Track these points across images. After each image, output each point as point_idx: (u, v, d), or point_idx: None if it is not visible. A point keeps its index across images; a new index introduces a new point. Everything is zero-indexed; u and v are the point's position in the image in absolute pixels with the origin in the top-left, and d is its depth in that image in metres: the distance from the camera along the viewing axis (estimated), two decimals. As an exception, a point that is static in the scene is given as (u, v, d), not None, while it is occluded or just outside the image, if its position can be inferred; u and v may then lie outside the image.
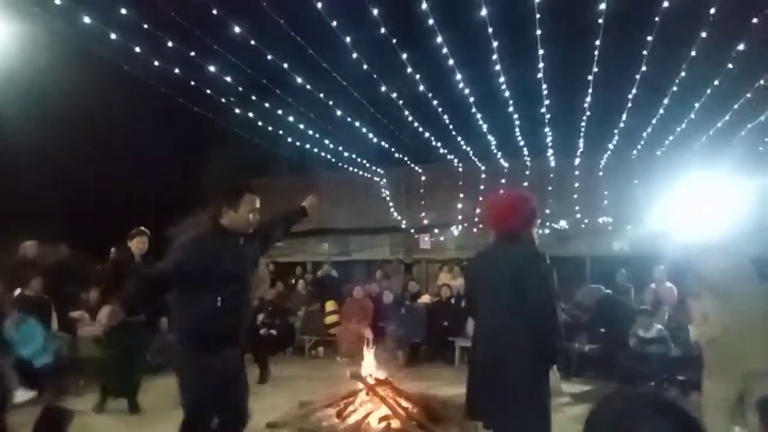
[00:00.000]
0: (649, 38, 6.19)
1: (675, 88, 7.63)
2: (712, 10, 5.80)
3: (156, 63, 6.37)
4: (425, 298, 10.75)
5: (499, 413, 2.81)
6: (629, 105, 8.25)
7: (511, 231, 3.11)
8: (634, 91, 7.58)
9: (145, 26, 5.82)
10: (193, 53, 6.46)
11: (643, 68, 6.85)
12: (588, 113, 8.60)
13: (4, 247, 7.81)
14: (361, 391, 5.83)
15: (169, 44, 6.16)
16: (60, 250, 8.01)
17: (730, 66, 6.92)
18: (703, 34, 6.23)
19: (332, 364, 9.14)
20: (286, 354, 10.41)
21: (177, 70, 6.55)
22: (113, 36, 5.87)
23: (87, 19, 5.52)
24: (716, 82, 7.52)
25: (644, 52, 6.46)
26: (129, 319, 5.17)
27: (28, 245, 7.53)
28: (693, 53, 6.63)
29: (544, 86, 7.52)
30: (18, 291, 6.79)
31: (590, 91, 7.55)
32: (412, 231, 13.78)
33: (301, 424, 5.39)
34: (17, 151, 9.27)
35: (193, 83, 7.01)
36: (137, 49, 6.04)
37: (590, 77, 7.08)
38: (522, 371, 2.80)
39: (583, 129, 9.68)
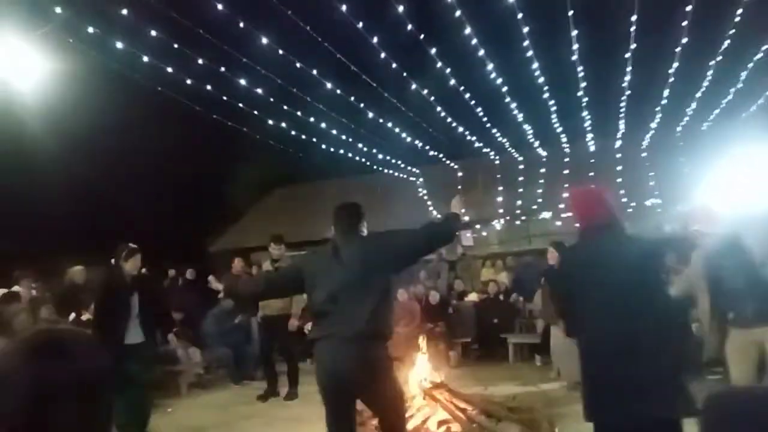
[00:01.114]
0: (689, 8, 5.89)
1: (719, 58, 7.26)
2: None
3: (188, 81, 6.43)
4: (473, 296, 10.56)
5: (644, 409, 2.68)
6: (671, 80, 7.90)
7: (609, 222, 2.99)
8: (675, 64, 7.25)
9: (175, 46, 5.88)
10: (222, 68, 6.51)
11: (684, 39, 6.53)
12: (628, 92, 8.29)
13: (51, 274, 7.99)
14: (417, 395, 5.70)
15: (199, 61, 6.20)
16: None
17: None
18: (747, -3, 5.90)
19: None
20: (336, 362, 10.39)
21: (209, 87, 6.61)
22: (145, 58, 5.96)
23: (119, 44, 5.62)
24: (763, 47, 7.12)
25: (684, 23, 6.16)
26: (129, 342, 5.17)
27: (75, 271, 7.64)
28: (737, 18, 6.28)
29: (580, 68, 7.28)
30: (72, 316, 6.93)
31: (629, 69, 7.27)
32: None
33: (358, 432, 5.30)
34: (54, 180, 9.58)
35: (224, 98, 7.07)
36: (169, 69, 6.11)
37: (628, 54, 6.80)
38: (661, 365, 2.71)
39: (623, 109, 9.34)
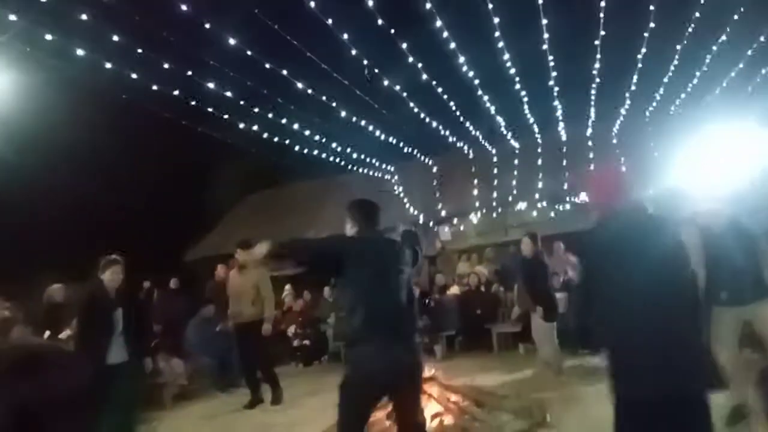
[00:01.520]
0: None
1: (685, 42, 7.38)
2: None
3: (154, 87, 6.26)
4: (454, 289, 10.58)
5: (674, 384, 2.69)
6: (639, 66, 8.01)
7: (630, 202, 3.00)
8: (643, 50, 7.34)
9: (139, 51, 5.72)
10: (189, 72, 6.36)
11: (651, 25, 6.62)
12: (598, 79, 8.38)
13: (23, 293, 7.71)
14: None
15: (165, 66, 6.04)
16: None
17: (741, 9, 6.67)
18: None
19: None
20: (321, 362, 10.31)
21: (176, 92, 6.45)
22: (108, 65, 5.77)
23: (80, 51, 5.43)
24: (727, 29, 7.26)
25: (651, 7, 6.24)
26: (112, 362, 4.86)
27: (55, 289, 7.41)
28: (701, 1, 6.39)
29: (551, 57, 7.32)
30: (47, 334, 6.71)
31: (598, 56, 7.33)
32: (431, 224, 13.59)
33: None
34: (19, 194, 9.27)
35: (193, 103, 6.91)
36: (133, 76, 5.94)
37: (597, 42, 6.87)
38: (690, 341, 2.73)
39: (593, 96, 9.45)
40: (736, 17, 6.90)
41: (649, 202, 3.19)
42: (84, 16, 5.20)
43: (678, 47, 7.57)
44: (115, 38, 5.47)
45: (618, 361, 2.90)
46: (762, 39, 7.57)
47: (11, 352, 0.99)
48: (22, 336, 6.22)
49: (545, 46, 6.88)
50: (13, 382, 0.90)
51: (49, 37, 5.23)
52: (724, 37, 7.37)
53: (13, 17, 5.17)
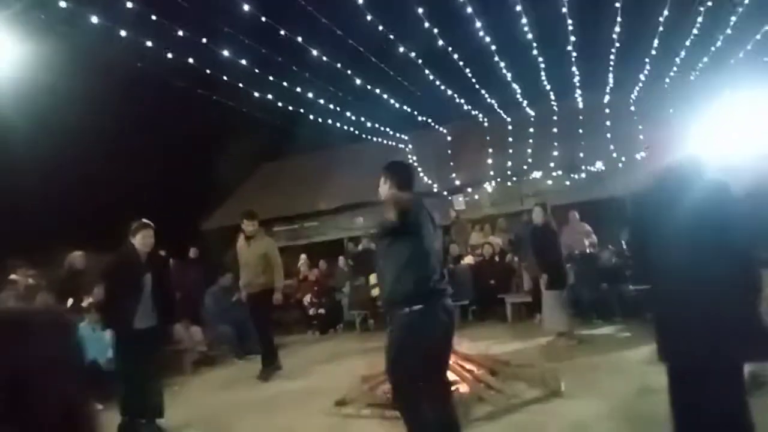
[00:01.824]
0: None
1: (709, 3, 7.14)
2: None
3: (169, 55, 6.22)
4: (468, 259, 10.59)
5: (724, 352, 2.67)
6: (660, 29, 7.78)
7: (681, 162, 2.91)
8: (665, 12, 7.12)
9: (153, 18, 5.66)
10: (204, 40, 6.29)
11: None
12: (617, 44, 8.16)
13: (45, 262, 7.85)
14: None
15: (179, 34, 5.99)
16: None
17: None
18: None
19: (384, 335, 9.10)
20: (337, 331, 10.46)
21: (190, 59, 6.40)
22: (123, 33, 5.74)
23: (94, 20, 5.39)
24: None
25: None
26: (140, 327, 4.85)
27: (75, 256, 7.51)
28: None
29: (569, 22, 7.13)
30: (71, 302, 6.85)
31: (618, 20, 7.13)
32: (445, 193, 13.55)
33: (368, 399, 5.34)
34: (38, 167, 9.35)
35: (208, 71, 6.86)
36: (148, 44, 5.89)
37: (618, 4, 6.66)
38: (741, 306, 2.68)
39: (612, 63, 9.23)
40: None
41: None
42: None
43: (701, 9, 7.33)
44: (129, 5, 5.41)
45: (664, 326, 2.90)
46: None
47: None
48: (44, 302, 6.37)
49: (564, 10, 6.71)
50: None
51: (63, 4, 5.19)
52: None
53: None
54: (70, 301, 6.83)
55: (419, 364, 3.22)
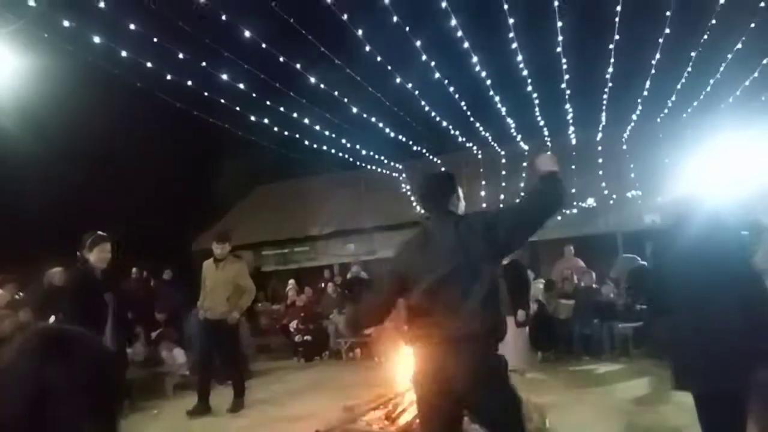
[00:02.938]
0: (672, -2, 5.94)
1: (700, 49, 7.34)
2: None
3: (168, 77, 6.29)
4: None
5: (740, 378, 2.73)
6: (652, 72, 7.96)
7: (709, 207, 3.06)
8: (657, 56, 7.30)
9: (155, 40, 5.74)
10: (204, 63, 6.37)
11: (667, 30, 6.58)
12: (610, 84, 8.34)
13: (28, 277, 7.73)
14: (408, 390, 5.67)
15: (180, 56, 6.06)
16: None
17: (755, 21, 6.63)
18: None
19: (371, 364, 9.02)
20: (323, 358, 10.34)
21: (189, 82, 6.47)
22: (123, 53, 5.80)
23: (96, 39, 5.46)
24: (743, 38, 7.21)
25: (667, 13, 6.20)
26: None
27: (54, 272, 7.42)
28: (717, 9, 6.34)
29: (564, 60, 7.28)
30: (52, 319, 6.74)
31: (612, 60, 7.30)
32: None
33: (350, 430, 5.26)
34: (30, 179, 9.33)
35: (206, 93, 6.93)
36: (148, 64, 5.96)
37: (611, 46, 6.83)
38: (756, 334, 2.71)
39: (605, 101, 9.41)
40: (752, 25, 6.85)
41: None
42: (102, 4, 5.22)
43: (692, 54, 7.52)
44: (132, 27, 5.49)
45: (681, 355, 2.99)
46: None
47: (38, 334, 0.98)
48: (28, 321, 6.28)
49: (559, 49, 6.86)
50: (38, 364, 0.90)
51: (66, 23, 5.26)
52: (739, 46, 7.32)
53: (31, 2, 5.20)
54: (51, 318, 6.73)
55: None
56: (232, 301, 6.63)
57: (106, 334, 4.61)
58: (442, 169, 3.00)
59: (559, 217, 13.15)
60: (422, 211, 3.19)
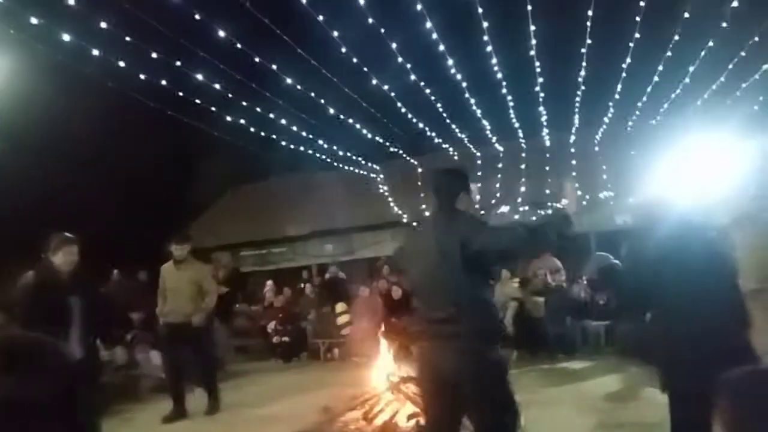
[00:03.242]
0: (642, 3, 6.08)
1: (669, 53, 7.52)
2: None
3: (142, 76, 6.21)
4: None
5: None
6: (623, 75, 8.14)
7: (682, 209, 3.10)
8: (628, 59, 7.48)
9: (127, 39, 5.66)
10: (178, 62, 6.31)
11: (637, 35, 6.74)
12: (582, 87, 8.50)
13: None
14: (385, 390, 5.70)
15: (153, 55, 5.99)
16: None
17: (724, 24, 6.83)
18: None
19: (348, 365, 9.01)
20: (300, 359, 10.30)
21: (163, 82, 6.40)
22: (95, 52, 5.71)
23: (66, 37, 5.36)
24: (710, 43, 7.42)
25: (637, 18, 6.35)
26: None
27: (29, 275, 7.25)
28: (686, 15, 6.52)
29: (537, 63, 7.41)
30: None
31: (584, 64, 7.44)
32: (414, 224, 13.64)
33: (327, 430, 5.27)
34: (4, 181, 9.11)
35: (180, 93, 6.86)
36: (121, 63, 5.88)
37: (584, 50, 6.97)
38: (740, 335, 2.79)
39: (577, 104, 9.59)
40: (724, 24, 7.03)
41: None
42: (72, 1, 5.12)
43: (662, 58, 7.71)
44: (103, 25, 5.40)
45: (667, 356, 3.02)
46: (743, 54, 7.75)
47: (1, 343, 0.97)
48: (4, 324, 6.11)
49: (533, 52, 6.97)
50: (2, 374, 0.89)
51: (34, 20, 5.15)
52: (705, 51, 7.53)
53: (-1, -1, 5.08)
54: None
55: None
56: (197, 302, 6.41)
57: (71, 338, 4.35)
58: (456, 166, 2.97)
59: (534, 218, 13.35)
60: (422, 207, 3.29)
